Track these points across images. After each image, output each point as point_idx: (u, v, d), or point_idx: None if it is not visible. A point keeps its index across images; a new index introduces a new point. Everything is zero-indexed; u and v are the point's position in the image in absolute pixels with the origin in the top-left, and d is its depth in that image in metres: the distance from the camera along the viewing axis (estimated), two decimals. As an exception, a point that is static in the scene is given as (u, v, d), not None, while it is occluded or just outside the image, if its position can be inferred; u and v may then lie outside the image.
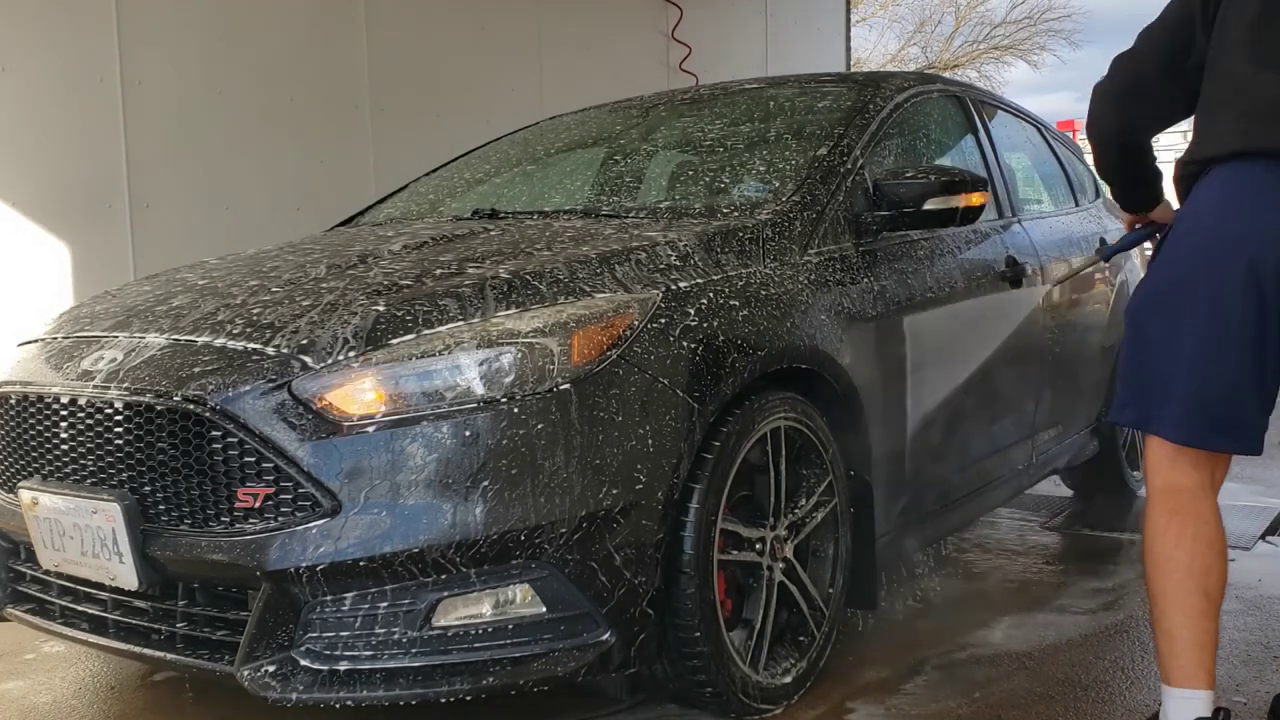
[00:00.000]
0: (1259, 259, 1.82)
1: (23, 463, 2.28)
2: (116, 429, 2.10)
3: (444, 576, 1.94)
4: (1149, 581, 1.93)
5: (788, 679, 2.34)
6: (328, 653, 1.97)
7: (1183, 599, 1.87)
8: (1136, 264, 4.31)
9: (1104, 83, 2.18)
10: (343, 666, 1.96)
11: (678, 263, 2.30)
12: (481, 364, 1.99)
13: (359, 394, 1.98)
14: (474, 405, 1.96)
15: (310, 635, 1.98)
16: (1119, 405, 2.02)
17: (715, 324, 2.21)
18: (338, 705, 1.98)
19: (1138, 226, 2.49)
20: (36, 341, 2.48)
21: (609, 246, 2.33)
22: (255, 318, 2.17)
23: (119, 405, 2.09)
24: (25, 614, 2.38)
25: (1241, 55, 1.92)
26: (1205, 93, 2.00)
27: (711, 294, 2.26)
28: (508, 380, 1.99)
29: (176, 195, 4.18)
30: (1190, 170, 1.99)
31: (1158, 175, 2.31)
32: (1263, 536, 3.54)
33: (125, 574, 2.07)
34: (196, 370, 2.05)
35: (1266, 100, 1.87)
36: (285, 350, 2.04)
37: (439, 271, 2.27)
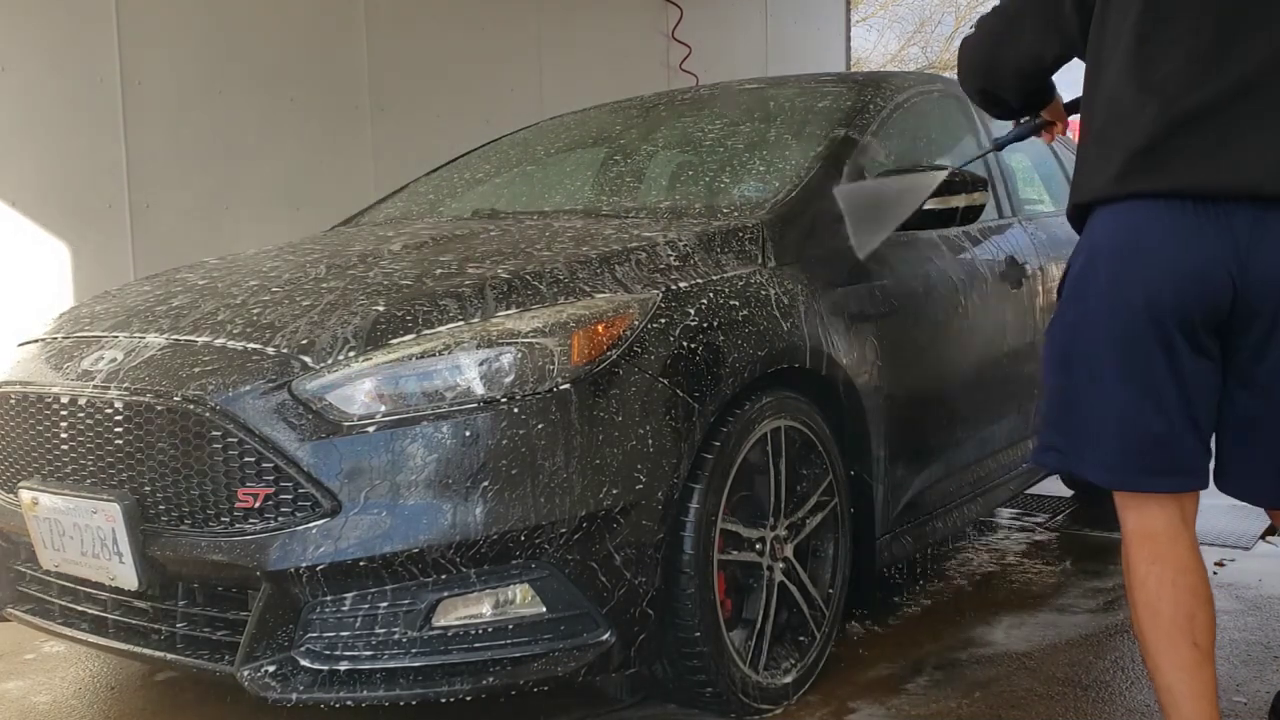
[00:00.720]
0: (1157, 302, 1.72)
1: (23, 463, 2.28)
2: (116, 429, 2.10)
3: (444, 576, 1.94)
4: (1138, 634, 1.85)
5: (788, 679, 2.34)
6: (328, 653, 1.97)
7: (1174, 654, 1.79)
8: None
9: (971, 36, 2.12)
10: (343, 666, 1.96)
11: (677, 263, 2.30)
12: (481, 364, 1.99)
13: (359, 394, 1.98)
14: (474, 405, 1.96)
15: (310, 635, 1.98)
16: (1042, 448, 1.91)
17: (715, 324, 2.21)
18: (338, 705, 1.98)
19: (1022, 120, 2.38)
20: (36, 341, 2.48)
21: (609, 246, 2.33)
22: (255, 318, 2.17)
23: (119, 405, 2.09)
24: (25, 614, 2.38)
25: (1124, 77, 1.77)
26: (1084, 112, 1.88)
27: (711, 294, 2.26)
28: (508, 380, 1.99)
29: (176, 195, 4.18)
30: (1079, 211, 1.89)
31: (1050, 85, 2.20)
32: (1263, 536, 3.54)
33: (125, 574, 2.07)
34: (196, 370, 2.05)
35: (1147, 134, 1.73)
36: (285, 350, 2.04)
37: (439, 271, 2.27)
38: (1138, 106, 1.74)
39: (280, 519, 1.96)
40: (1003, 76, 2.10)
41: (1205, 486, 1.82)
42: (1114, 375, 1.78)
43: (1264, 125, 1.68)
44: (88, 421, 2.14)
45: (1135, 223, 1.76)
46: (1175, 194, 1.72)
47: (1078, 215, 1.90)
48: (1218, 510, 3.49)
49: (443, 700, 1.97)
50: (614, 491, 2.01)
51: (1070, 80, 2.09)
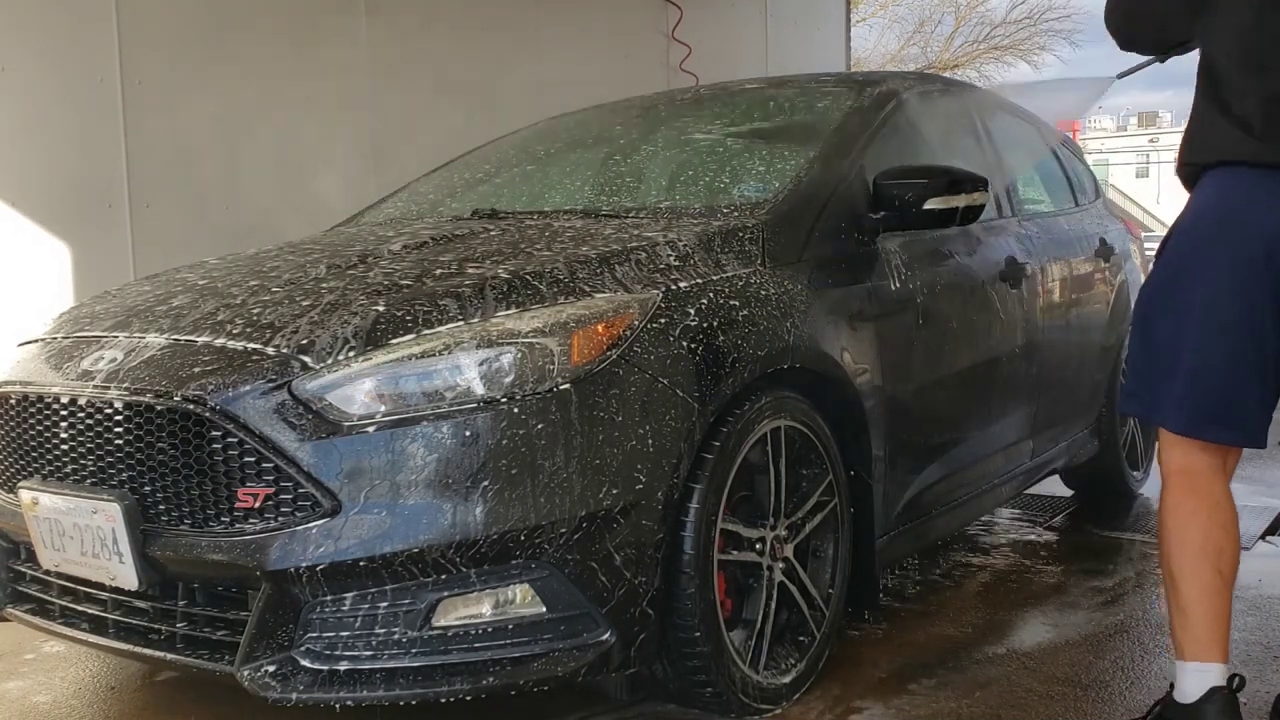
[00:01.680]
0: (1254, 257, 1.87)
1: (23, 463, 2.28)
2: (116, 429, 2.10)
3: (444, 576, 1.94)
4: (1164, 559, 1.98)
5: (788, 679, 2.34)
6: (328, 653, 1.97)
7: (1196, 576, 1.93)
8: (1136, 264, 4.31)
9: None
10: (343, 666, 1.96)
11: (677, 263, 2.30)
12: (481, 364, 1.99)
13: (359, 394, 1.98)
14: (474, 405, 1.96)
15: (310, 635, 1.98)
16: (1126, 395, 2.11)
17: (715, 324, 2.21)
18: (338, 705, 1.98)
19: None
20: (36, 341, 2.48)
21: (609, 246, 2.33)
22: (255, 318, 2.17)
23: (119, 405, 2.09)
24: (25, 614, 2.38)
25: (1234, 56, 1.93)
26: (1198, 87, 2.00)
27: (711, 294, 2.26)
28: (508, 380, 1.99)
29: (176, 195, 4.18)
30: (1188, 171, 2.03)
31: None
32: (1263, 536, 3.54)
33: (125, 574, 2.07)
34: (196, 370, 2.05)
35: (1257, 108, 1.89)
36: (285, 350, 2.04)
37: (439, 271, 2.27)
38: (1246, 83, 1.91)
39: (280, 519, 1.96)
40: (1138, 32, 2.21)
41: (1261, 445, 1.94)
42: (1194, 327, 1.92)
43: None
44: (88, 421, 2.14)
45: (1242, 185, 1.91)
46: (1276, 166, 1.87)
47: (1185, 175, 2.04)
48: (1218, 510, 3.49)
49: (443, 700, 1.97)
50: (614, 491, 2.01)
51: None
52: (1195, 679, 1.94)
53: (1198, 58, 2.04)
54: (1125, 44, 2.23)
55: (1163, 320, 1.99)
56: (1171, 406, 1.97)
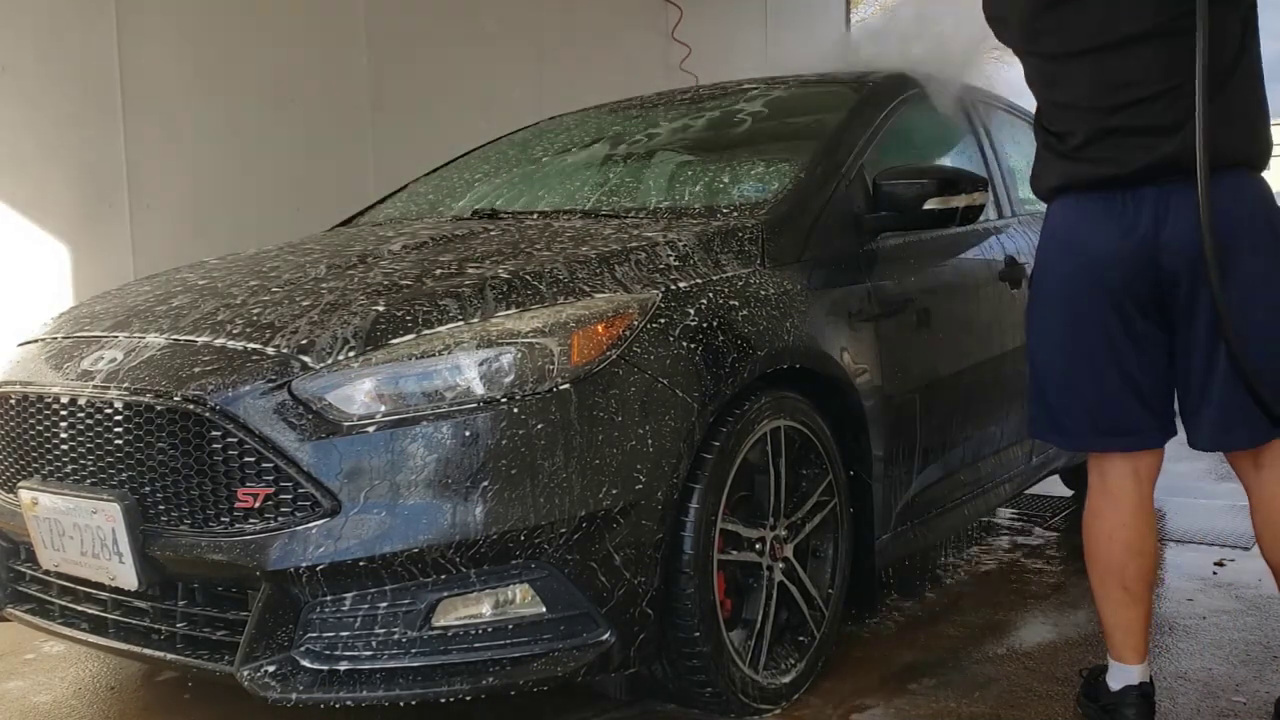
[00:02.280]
0: (1096, 283, 2.03)
1: (23, 463, 2.28)
2: (116, 429, 2.10)
3: (444, 576, 1.94)
4: (1088, 574, 2.20)
5: (787, 679, 2.34)
6: (328, 653, 1.97)
7: (1105, 592, 2.15)
8: None
9: None
10: (342, 666, 1.96)
11: (677, 263, 2.30)
12: (481, 364, 1.99)
13: (359, 394, 1.98)
14: (474, 405, 1.96)
15: (310, 635, 1.98)
16: (1031, 420, 2.24)
17: (715, 324, 2.21)
18: (337, 705, 1.98)
19: None
20: (36, 341, 2.48)
21: (609, 247, 2.33)
22: (255, 318, 2.17)
23: (119, 405, 2.09)
24: (25, 614, 2.38)
25: (1045, 93, 2.14)
26: (1036, 112, 2.19)
27: (711, 294, 2.26)
28: (507, 380, 1.99)
29: (176, 195, 4.18)
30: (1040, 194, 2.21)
31: None
32: (1263, 536, 3.54)
33: (125, 574, 2.07)
34: (196, 370, 2.05)
35: (1071, 140, 2.06)
36: (285, 350, 2.04)
37: (439, 271, 2.27)
38: (1060, 119, 2.12)
39: (280, 519, 1.96)
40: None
41: (1155, 446, 2.12)
42: (1062, 354, 2.10)
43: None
44: (88, 421, 2.14)
45: (1078, 210, 2.08)
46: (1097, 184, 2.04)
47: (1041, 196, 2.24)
48: (1218, 510, 3.50)
49: (443, 700, 1.97)
50: (614, 491, 2.01)
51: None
52: (1116, 674, 2.17)
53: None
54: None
55: (1042, 352, 2.16)
56: (1063, 428, 2.15)
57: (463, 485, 1.94)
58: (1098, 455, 2.14)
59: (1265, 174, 2.07)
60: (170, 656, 2.12)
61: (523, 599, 2.00)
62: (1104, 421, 2.08)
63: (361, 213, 3.48)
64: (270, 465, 1.96)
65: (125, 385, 2.10)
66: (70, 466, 2.17)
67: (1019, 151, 3.80)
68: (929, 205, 2.65)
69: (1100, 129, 2.01)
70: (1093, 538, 2.15)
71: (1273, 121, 2.17)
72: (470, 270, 2.26)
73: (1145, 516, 2.13)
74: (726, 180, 2.97)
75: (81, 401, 2.16)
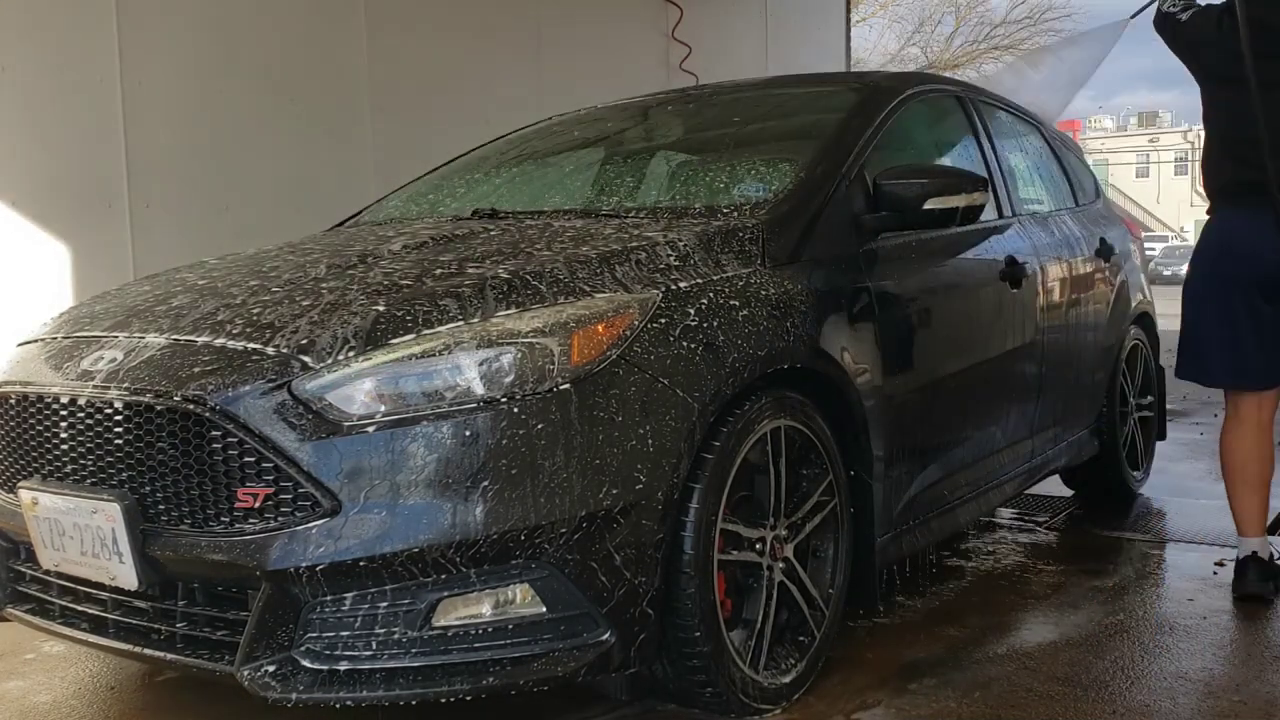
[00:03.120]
0: (1244, 274, 2.95)
1: (22, 463, 2.28)
2: (116, 429, 2.09)
3: (444, 576, 1.94)
4: (1222, 468, 3.13)
5: (788, 679, 2.34)
6: (328, 653, 1.97)
7: (1234, 486, 3.08)
8: (1136, 264, 4.32)
9: None
10: (343, 666, 1.96)
11: (677, 263, 2.30)
12: (481, 364, 1.99)
13: (359, 394, 1.98)
14: (474, 405, 1.96)
15: (310, 635, 1.98)
16: (1181, 364, 3.13)
17: (715, 324, 2.21)
18: (337, 705, 1.98)
19: None
20: (36, 341, 2.48)
21: (609, 246, 2.33)
22: (255, 318, 2.17)
23: (119, 405, 2.09)
24: (25, 614, 2.38)
25: (1222, 132, 3.07)
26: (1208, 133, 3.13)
27: (711, 294, 2.26)
28: (508, 380, 1.99)
29: (176, 195, 4.18)
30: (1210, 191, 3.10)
31: None
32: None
33: (125, 574, 2.07)
34: (196, 370, 2.05)
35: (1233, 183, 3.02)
36: (285, 350, 2.04)
37: (439, 271, 2.27)
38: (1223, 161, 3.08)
39: (280, 519, 1.96)
40: None
41: (1274, 386, 3.02)
42: (1214, 315, 3.00)
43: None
44: (87, 421, 2.14)
45: (1237, 218, 2.99)
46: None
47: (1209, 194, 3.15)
48: (1218, 510, 3.49)
49: (443, 700, 1.97)
50: (614, 491, 2.01)
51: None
52: (1243, 546, 3.04)
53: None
54: None
55: (1195, 309, 3.06)
56: (1210, 371, 3.10)
57: (463, 485, 1.94)
58: (1234, 394, 3.06)
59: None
60: (170, 656, 2.11)
61: (523, 599, 2.00)
62: (1241, 369, 3.00)
63: (361, 213, 3.47)
64: (270, 465, 1.96)
65: (125, 385, 2.10)
66: (70, 466, 2.17)
67: (1019, 151, 3.81)
68: (929, 205, 2.65)
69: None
70: (1227, 449, 3.08)
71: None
72: (470, 270, 2.25)
73: (1265, 434, 3.04)
74: (727, 180, 2.97)
75: (81, 401, 2.15)
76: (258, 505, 1.97)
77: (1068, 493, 4.27)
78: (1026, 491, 3.70)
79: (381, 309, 2.10)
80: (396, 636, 1.97)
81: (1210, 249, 3.03)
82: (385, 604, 1.96)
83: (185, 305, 2.32)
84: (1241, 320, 2.93)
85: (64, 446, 2.18)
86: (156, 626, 2.15)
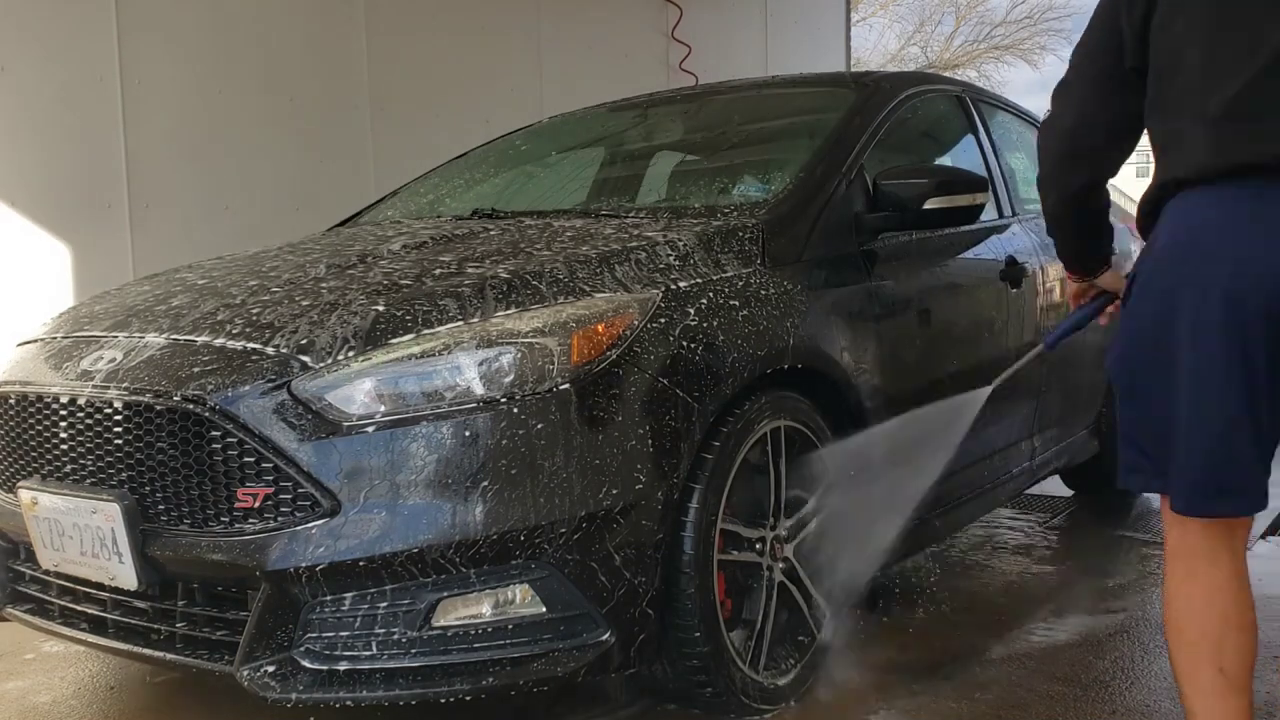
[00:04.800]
0: (1239, 297, 1.59)
1: (22, 463, 2.28)
2: (116, 429, 2.09)
3: (444, 577, 1.94)
4: (1169, 653, 1.78)
5: (788, 679, 2.34)
6: (327, 653, 1.97)
7: (1196, 677, 1.71)
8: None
9: (1048, 139, 1.93)
10: (342, 666, 1.96)
11: (677, 263, 2.30)
12: (481, 364, 1.99)
13: (358, 394, 1.98)
14: (474, 405, 1.96)
15: (310, 635, 1.98)
16: (1126, 468, 1.79)
17: (715, 324, 2.21)
18: (337, 705, 1.98)
19: (1083, 302, 2.22)
20: (36, 341, 2.48)
21: (608, 246, 2.33)
22: (255, 317, 2.17)
23: (118, 405, 2.09)
24: (25, 614, 2.38)
25: (1197, 57, 1.68)
26: (1156, 108, 1.77)
27: (711, 294, 2.26)
28: (507, 380, 1.98)
29: (176, 195, 4.18)
30: (1151, 202, 1.79)
31: (1111, 227, 2.11)
32: (1263, 536, 3.54)
33: (125, 574, 2.07)
34: (196, 370, 2.05)
35: (1231, 105, 1.63)
36: (285, 350, 2.04)
37: (439, 271, 2.27)
38: (1218, 81, 1.66)
39: (280, 519, 1.96)
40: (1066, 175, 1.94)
41: (1264, 508, 1.70)
42: (1182, 387, 1.65)
43: None
44: (87, 421, 2.14)
45: (1220, 205, 1.64)
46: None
47: (1148, 210, 1.82)
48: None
49: (442, 700, 1.97)
50: (614, 491, 2.01)
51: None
52: None
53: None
54: (1087, 191, 1.96)
55: (1147, 381, 1.73)
56: (1173, 482, 1.71)
57: (463, 485, 1.93)
58: (1183, 519, 1.75)
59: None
60: (170, 656, 2.11)
61: (523, 599, 2.00)
62: (1224, 480, 1.68)
63: (361, 213, 3.48)
64: (270, 465, 1.96)
65: (125, 385, 2.10)
66: (70, 466, 2.17)
67: (1019, 151, 3.81)
68: (929, 205, 2.65)
69: None
70: (1178, 609, 1.74)
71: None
72: (470, 270, 2.25)
73: (1241, 585, 1.74)
74: (727, 180, 2.97)
75: (81, 401, 2.15)
76: (257, 505, 1.97)
77: (1068, 492, 4.27)
78: (1026, 491, 3.70)
79: (381, 309, 2.09)
80: (396, 637, 1.96)
81: (1168, 264, 1.71)
82: (385, 604, 1.96)
83: (185, 305, 2.32)
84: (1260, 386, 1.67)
85: (64, 446, 2.18)
86: (156, 626, 2.15)
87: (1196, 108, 1.66)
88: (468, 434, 1.94)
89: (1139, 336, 1.74)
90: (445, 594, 1.96)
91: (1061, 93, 1.91)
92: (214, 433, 1.99)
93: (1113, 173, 1.96)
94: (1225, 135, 1.63)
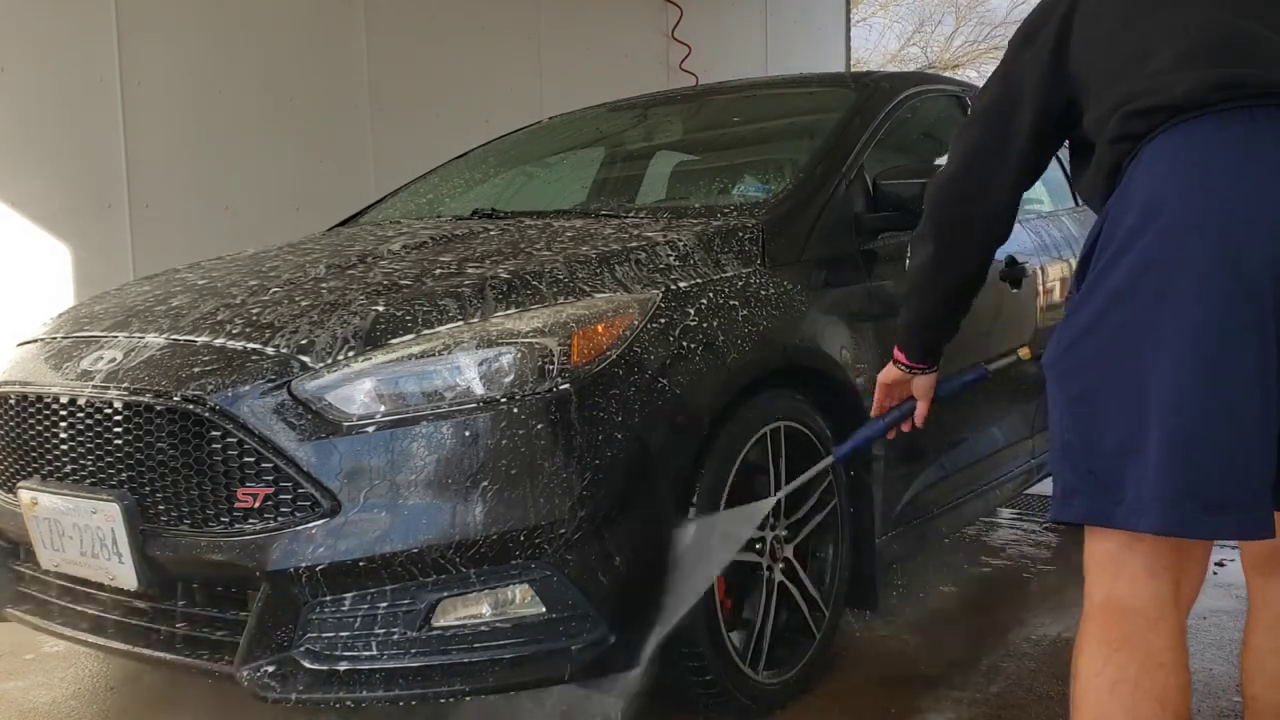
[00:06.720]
0: (1248, 254, 1.26)
1: (22, 463, 2.28)
2: (116, 429, 2.09)
3: (443, 577, 1.94)
4: None
5: (788, 679, 2.34)
6: (327, 653, 1.97)
7: None
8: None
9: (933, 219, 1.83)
10: (342, 666, 1.96)
11: (677, 263, 2.30)
12: (481, 364, 1.99)
13: (358, 394, 1.98)
14: (474, 405, 1.96)
15: (310, 635, 1.98)
16: (1063, 496, 1.42)
17: (715, 324, 2.21)
18: (337, 705, 1.98)
19: (892, 404, 2.07)
20: (36, 341, 2.48)
21: (608, 246, 2.33)
22: (255, 318, 2.17)
23: (118, 405, 2.09)
24: (25, 614, 2.37)
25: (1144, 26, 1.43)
26: (1099, 66, 1.49)
27: (711, 294, 2.26)
28: (507, 380, 1.98)
29: (176, 195, 4.18)
30: (1118, 149, 1.42)
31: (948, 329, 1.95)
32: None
33: (125, 574, 2.07)
34: (196, 370, 2.05)
35: (1221, 30, 1.36)
36: (285, 350, 2.04)
37: (439, 271, 2.27)
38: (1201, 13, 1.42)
39: (280, 519, 1.96)
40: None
41: (1271, 535, 1.32)
42: (1166, 373, 1.30)
43: None
44: (87, 421, 2.14)
45: (1217, 142, 1.32)
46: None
47: (1111, 160, 1.45)
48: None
49: (442, 700, 1.97)
50: (614, 492, 2.00)
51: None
52: None
53: None
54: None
55: (1105, 376, 1.37)
56: (1144, 500, 1.32)
57: (463, 485, 1.93)
58: (1121, 554, 1.40)
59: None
60: (170, 656, 2.11)
61: (522, 599, 2.00)
62: (1221, 488, 1.31)
63: (361, 213, 3.48)
64: (270, 465, 1.96)
65: (125, 385, 2.10)
66: (70, 466, 2.17)
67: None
68: (929, 205, 2.64)
69: None
70: (1103, 689, 1.38)
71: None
72: (470, 270, 2.25)
73: (1181, 658, 1.40)
74: (726, 180, 2.97)
75: (81, 401, 2.15)
76: (257, 505, 1.97)
77: (1068, 493, 4.26)
78: (1026, 491, 3.70)
79: (381, 309, 2.10)
80: (396, 637, 1.96)
81: (1150, 223, 1.30)
82: (385, 604, 1.96)
83: (185, 305, 2.32)
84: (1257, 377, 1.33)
85: (63, 446, 2.18)
86: (156, 627, 2.15)
87: (1163, 55, 1.38)
88: (468, 434, 1.94)
89: (1106, 311, 1.36)
90: (445, 594, 1.96)
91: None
92: (214, 433, 1.99)
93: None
94: (1201, 60, 1.35)
